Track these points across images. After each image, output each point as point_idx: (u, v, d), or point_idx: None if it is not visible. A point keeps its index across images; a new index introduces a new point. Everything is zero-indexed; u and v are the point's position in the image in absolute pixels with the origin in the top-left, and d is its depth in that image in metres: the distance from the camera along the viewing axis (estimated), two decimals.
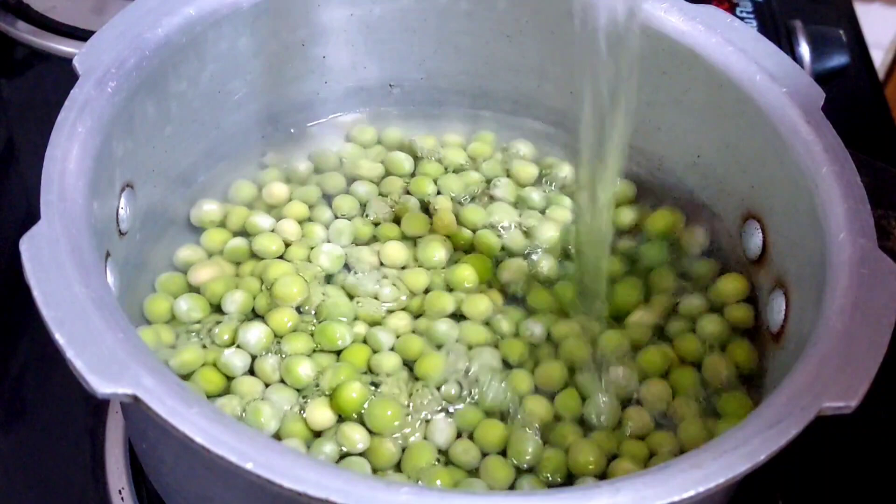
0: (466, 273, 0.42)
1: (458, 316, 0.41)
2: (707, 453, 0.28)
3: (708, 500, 0.33)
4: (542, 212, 0.46)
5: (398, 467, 0.37)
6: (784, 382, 0.31)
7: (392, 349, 0.40)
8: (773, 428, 0.29)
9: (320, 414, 0.37)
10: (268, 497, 0.29)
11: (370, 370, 0.39)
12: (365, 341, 0.40)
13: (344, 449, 0.36)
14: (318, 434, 0.37)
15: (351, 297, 0.41)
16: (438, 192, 0.46)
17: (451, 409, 0.38)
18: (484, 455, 0.37)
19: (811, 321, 0.33)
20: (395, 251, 0.43)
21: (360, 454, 0.37)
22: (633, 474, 0.28)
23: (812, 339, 0.32)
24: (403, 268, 0.43)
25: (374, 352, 0.40)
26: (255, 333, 0.39)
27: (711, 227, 0.45)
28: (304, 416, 0.37)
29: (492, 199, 0.46)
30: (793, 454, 0.30)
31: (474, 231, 0.44)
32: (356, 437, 0.36)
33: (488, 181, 0.47)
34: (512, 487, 0.36)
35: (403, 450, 0.37)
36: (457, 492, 0.34)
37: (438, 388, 0.39)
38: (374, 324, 0.41)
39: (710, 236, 0.45)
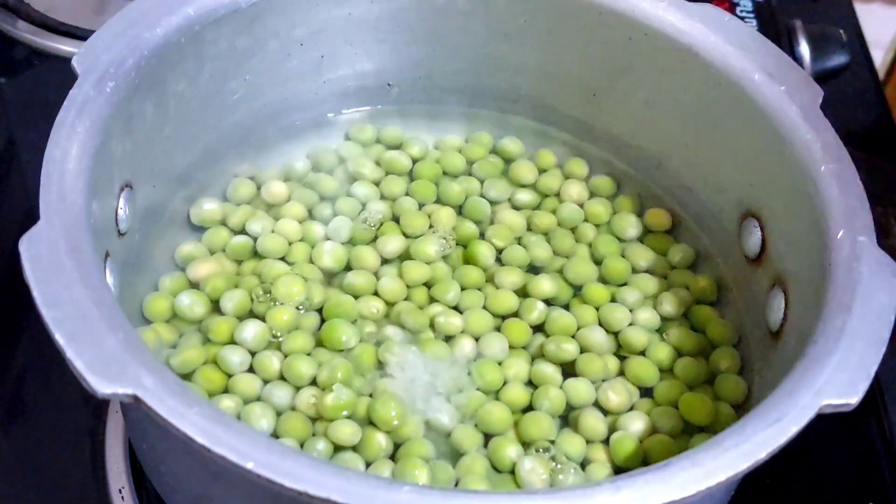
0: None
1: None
2: (707, 451, 0.28)
3: (708, 499, 0.33)
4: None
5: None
6: (784, 381, 0.31)
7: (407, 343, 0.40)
8: (773, 426, 0.29)
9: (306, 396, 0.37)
10: (268, 497, 0.29)
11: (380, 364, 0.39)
12: (378, 343, 0.40)
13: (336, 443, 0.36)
14: (314, 419, 0.37)
15: (355, 296, 0.41)
16: (438, 200, 0.46)
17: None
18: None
19: (811, 319, 0.33)
20: (394, 244, 0.43)
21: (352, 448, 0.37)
22: (633, 472, 0.28)
23: (812, 338, 0.32)
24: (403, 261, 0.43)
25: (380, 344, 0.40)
26: (253, 330, 0.39)
27: (709, 226, 0.45)
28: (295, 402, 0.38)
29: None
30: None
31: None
32: (348, 431, 0.36)
33: (482, 182, 0.47)
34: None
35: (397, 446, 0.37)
36: (458, 491, 0.34)
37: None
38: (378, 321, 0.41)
39: (706, 235, 0.45)
